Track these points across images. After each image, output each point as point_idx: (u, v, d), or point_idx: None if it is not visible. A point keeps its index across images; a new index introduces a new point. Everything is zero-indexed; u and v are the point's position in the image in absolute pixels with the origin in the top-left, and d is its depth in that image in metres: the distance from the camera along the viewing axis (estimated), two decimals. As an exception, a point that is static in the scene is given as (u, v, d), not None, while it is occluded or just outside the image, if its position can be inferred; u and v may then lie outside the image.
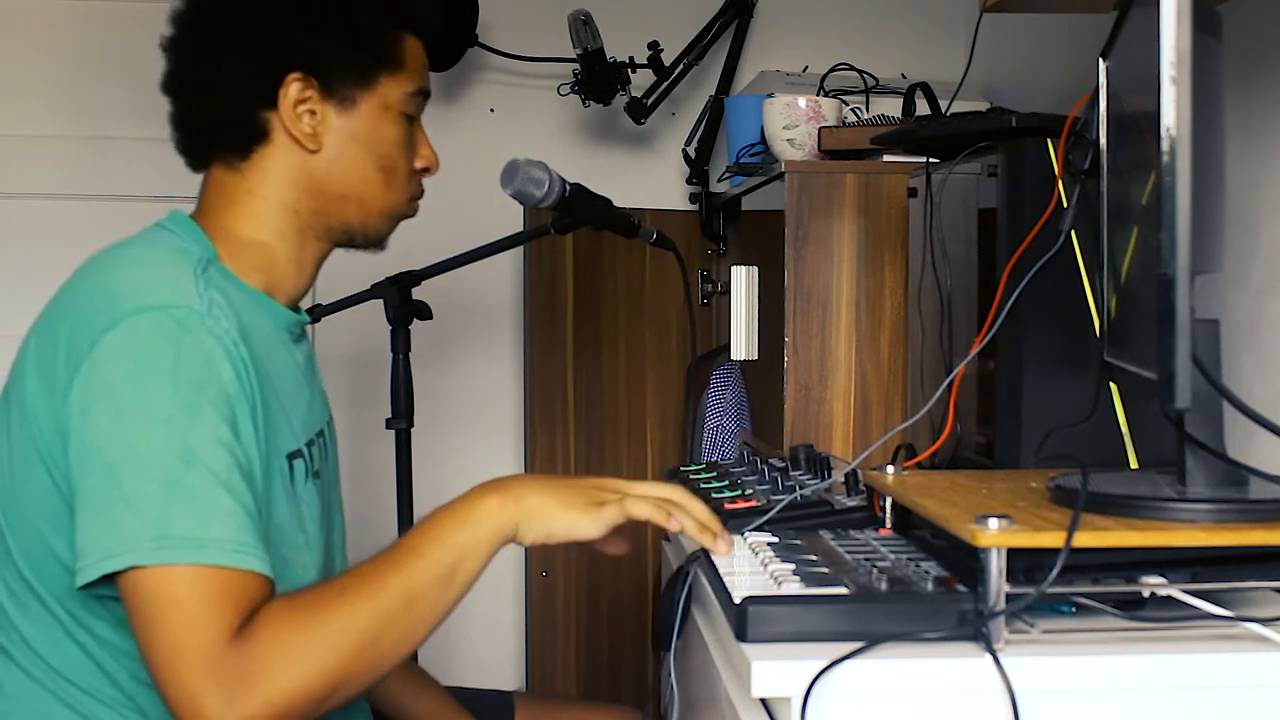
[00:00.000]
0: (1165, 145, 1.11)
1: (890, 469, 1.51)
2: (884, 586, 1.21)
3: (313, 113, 1.45)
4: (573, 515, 1.33)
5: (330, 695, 1.21)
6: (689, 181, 2.91)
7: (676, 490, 1.41)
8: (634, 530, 1.37)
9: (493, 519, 1.31)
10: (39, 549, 1.32)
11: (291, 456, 1.41)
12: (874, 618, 1.14)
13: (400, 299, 2.12)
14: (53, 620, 1.33)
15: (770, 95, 2.31)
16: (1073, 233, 1.49)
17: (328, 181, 1.47)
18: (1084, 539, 1.12)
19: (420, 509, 1.34)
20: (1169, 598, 1.18)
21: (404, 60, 1.49)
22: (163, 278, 1.33)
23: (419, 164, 1.54)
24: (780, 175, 2.18)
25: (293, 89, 1.44)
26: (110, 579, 1.22)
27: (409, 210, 1.55)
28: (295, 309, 1.52)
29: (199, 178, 1.51)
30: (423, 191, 1.57)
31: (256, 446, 1.30)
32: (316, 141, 1.45)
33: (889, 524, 1.50)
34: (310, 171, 1.46)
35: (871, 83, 2.57)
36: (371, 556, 1.30)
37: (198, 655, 1.17)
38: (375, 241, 1.54)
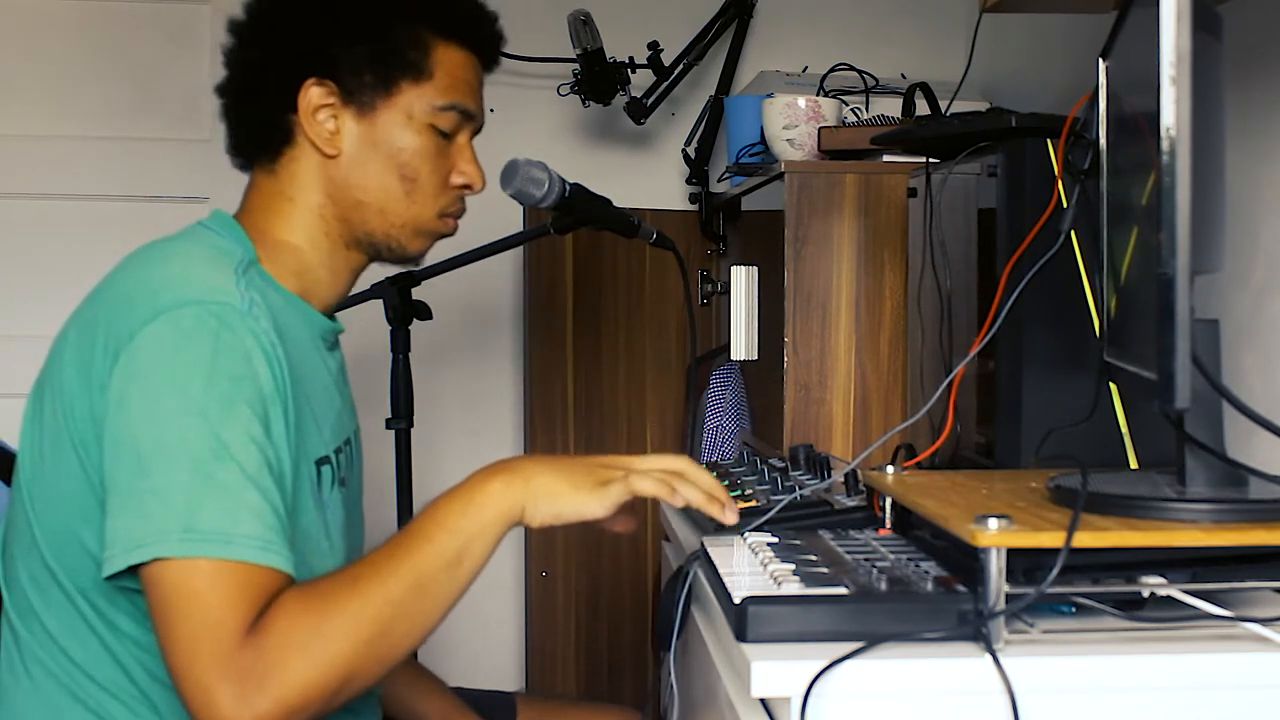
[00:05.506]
0: (1165, 145, 1.11)
1: (890, 469, 1.51)
2: (884, 586, 1.20)
3: (334, 118, 1.45)
4: (580, 495, 1.31)
5: (343, 688, 1.21)
6: (689, 181, 2.91)
7: (681, 460, 1.39)
8: (637, 514, 1.36)
9: (498, 502, 1.30)
10: (66, 540, 1.32)
11: (320, 463, 1.42)
12: (874, 618, 1.14)
13: (400, 299, 2.12)
14: (74, 612, 1.33)
15: (770, 95, 2.31)
16: (1073, 233, 1.49)
17: (347, 188, 1.47)
18: (1084, 539, 1.12)
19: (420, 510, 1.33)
20: (1169, 598, 1.18)
21: (432, 70, 1.46)
22: (204, 274, 1.33)
23: (457, 179, 1.51)
24: (780, 175, 2.18)
25: (312, 94, 1.44)
26: (135, 570, 1.22)
27: (441, 226, 1.52)
28: (330, 317, 1.52)
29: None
30: (463, 209, 1.55)
31: (288, 448, 1.30)
32: (335, 146, 1.45)
33: (889, 524, 1.50)
34: (332, 177, 1.46)
35: (871, 83, 2.57)
36: (381, 545, 1.29)
37: (213, 650, 1.17)
38: (403, 256, 1.53)
